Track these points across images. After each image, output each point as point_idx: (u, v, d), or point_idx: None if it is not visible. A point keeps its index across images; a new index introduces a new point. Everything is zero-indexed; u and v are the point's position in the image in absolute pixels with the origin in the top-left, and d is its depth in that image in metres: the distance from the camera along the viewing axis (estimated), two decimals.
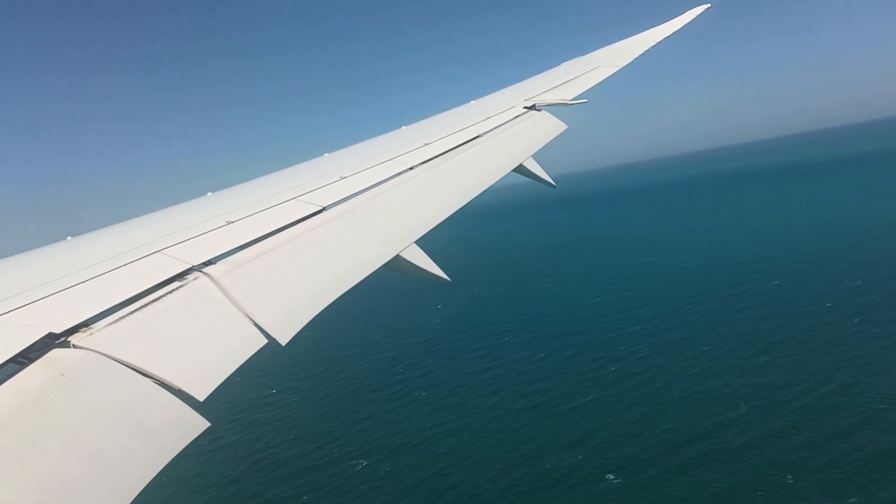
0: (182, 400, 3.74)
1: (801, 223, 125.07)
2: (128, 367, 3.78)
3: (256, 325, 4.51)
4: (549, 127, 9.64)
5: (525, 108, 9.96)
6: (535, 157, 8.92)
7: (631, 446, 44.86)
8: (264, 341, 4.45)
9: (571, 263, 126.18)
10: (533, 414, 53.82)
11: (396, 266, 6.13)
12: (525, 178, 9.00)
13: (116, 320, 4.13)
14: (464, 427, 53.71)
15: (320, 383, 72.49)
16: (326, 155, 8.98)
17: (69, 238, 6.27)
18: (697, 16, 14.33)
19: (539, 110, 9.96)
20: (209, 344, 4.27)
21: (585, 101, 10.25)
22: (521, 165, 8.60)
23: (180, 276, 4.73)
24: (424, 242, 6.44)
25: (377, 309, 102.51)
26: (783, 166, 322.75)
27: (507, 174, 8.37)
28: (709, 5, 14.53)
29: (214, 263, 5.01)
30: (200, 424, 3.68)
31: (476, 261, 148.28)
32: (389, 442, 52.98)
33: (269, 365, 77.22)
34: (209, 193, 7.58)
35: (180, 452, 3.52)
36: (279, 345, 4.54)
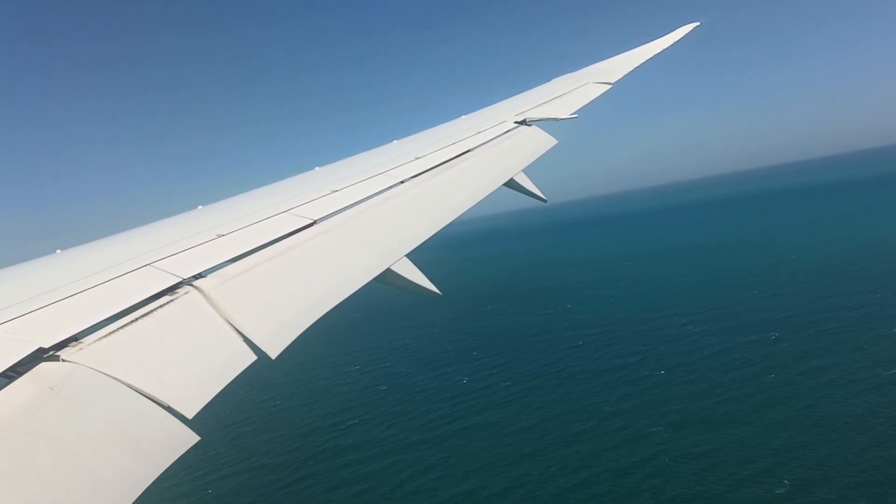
0: (172, 414, 3.73)
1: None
2: (117, 381, 3.76)
3: (247, 341, 4.50)
4: (540, 142, 9.70)
5: (516, 122, 10.02)
6: (526, 171, 8.97)
7: None
8: (254, 358, 4.44)
9: (686, 267, 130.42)
10: (843, 388, 54.89)
11: (387, 279, 6.14)
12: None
13: (106, 335, 4.11)
14: (776, 400, 54.67)
15: (545, 369, 77.07)
16: (317, 168, 9.00)
17: (58, 251, 6.25)
18: (687, 34, 14.50)
19: (530, 125, 10.02)
20: (199, 360, 4.25)
21: (576, 116, 10.33)
22: (511, 180, 8.64)
23: (170, 290, 4.72)
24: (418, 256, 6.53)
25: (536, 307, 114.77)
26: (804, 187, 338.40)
27: (498, 188, 8.41)
28: (698, 23, 14.72)
29: (205, 276, 5.00)
30: (190, 438, 3.67)
31: (582, 268, 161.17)
32: (701, 415, 54.64)
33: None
34: (199, 206, 7.57)
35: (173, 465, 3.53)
36: (269, 359, 4.53)
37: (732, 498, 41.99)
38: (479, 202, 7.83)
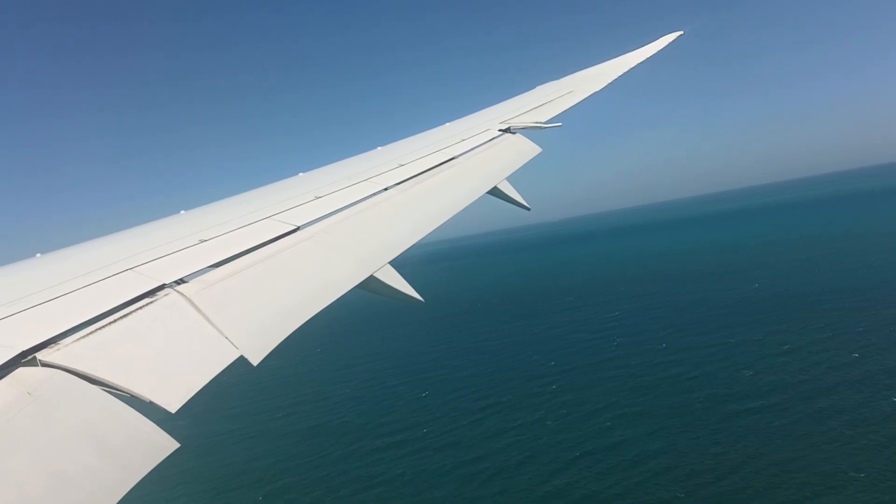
0: (152, 420, 3.71)
1: None
2: (97, 382, 3.74)
3: (228, 340, 4.50)
4: (524, 150, 9.76)
5: (500, 130, 10.07)
6: (510, 180, 9.02)
7: None
8: (237, 354, 4.44)
9: (836, 251, 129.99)
10: None
11: (370, 286, 6.15)
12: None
13: (85, 335, 4.09)
14: None
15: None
16: (301, 174, 8.98)
17: (38, 255, 6.19)
18: (670, 42, 14.65)
19: (514, 133, 10.08)
20: (180, 357, 4.25)
21: (560, 124, 10.40)
22: (495, 188, 8.69)
23: (152, 294, 4.70)
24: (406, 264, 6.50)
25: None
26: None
27: (482, 196, 8.45)
28: (682, 32, 14.88)
29: (187, 282, 4.98)
30: (170, 445, 3.65)
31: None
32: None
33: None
34: (182, 211, 7.54)
35: (152, 473, 3.50)
36: (251, 364, 4.53)
37: None
38: (463, 210, 7.86)
